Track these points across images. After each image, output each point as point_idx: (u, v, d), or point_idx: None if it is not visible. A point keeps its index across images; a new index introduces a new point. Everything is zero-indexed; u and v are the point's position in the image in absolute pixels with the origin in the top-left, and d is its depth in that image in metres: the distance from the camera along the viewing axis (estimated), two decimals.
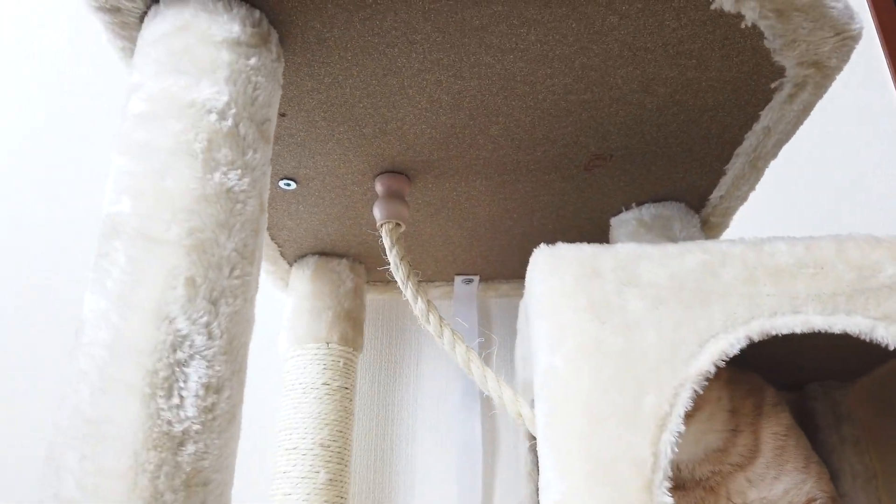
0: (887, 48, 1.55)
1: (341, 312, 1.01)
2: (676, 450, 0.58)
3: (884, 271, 0.62)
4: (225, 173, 0.58)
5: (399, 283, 0.77)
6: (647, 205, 0.90)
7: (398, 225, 0.82)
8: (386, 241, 0.80)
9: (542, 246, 0.67)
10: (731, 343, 0.61)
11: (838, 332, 0.60)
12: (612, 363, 0.61)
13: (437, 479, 1.07)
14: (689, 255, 0.64)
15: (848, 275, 0.62)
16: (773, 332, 0.61)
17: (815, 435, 0.98)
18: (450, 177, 0.85)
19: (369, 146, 0.79)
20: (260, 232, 0.60)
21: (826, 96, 0.73)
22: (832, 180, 1.39)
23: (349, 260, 1.06)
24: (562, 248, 0.66)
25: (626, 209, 0.91)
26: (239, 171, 0.59)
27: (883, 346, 0.60)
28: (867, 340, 0.60)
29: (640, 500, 0.55)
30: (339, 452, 0.93)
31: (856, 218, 1.31)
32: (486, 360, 0.98)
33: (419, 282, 0.78)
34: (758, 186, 0.85)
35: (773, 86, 0.71)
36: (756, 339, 0.61)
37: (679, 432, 0.58)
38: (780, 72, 0.69)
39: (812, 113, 0.74)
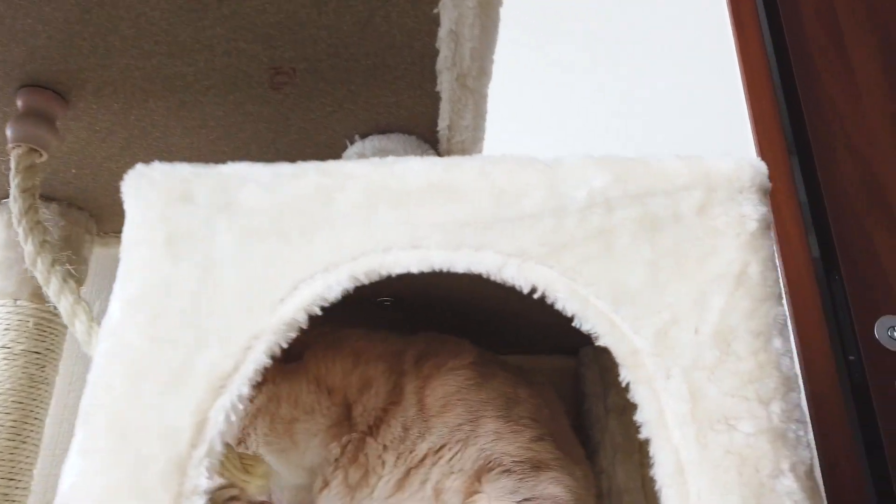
0: None
1: None
2: (236, 418, 0.45)
3: (529, 197, 0.50)
4: None
5: (14, 219, 0.63)
6: (371, 137, 0.77)
7: (34, 151, 0.67)
8: (12, 168, 0.65)
9: (138, 165, 0.53)
10: (329, 285, 0.48)
11: (462, 272, 0.49)
12: (177, 311, 0.48)
13: None
14: (304, 178, 0.52)
15: (485, 201, 0.50)
16: (385, 272, 0.49)
17: (581, 404, 0.88)
18: (114, 96, 0.70)
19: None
20: None
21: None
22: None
23: (61, 205, 0.90)
24: (156, 167, 0.53)
25: (351, 143, 0.78)
26: None
27: (514, 287, 0.49)
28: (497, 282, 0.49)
29: (162, 483, 0.43)
30: (15, 426, 0.79)
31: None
32: None
33: (38, 222, 0.64)
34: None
35: None
36: (364, 280, 0.49)
37: (244, 395, 0.46)
38: None
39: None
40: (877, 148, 1.42)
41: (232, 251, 0.50)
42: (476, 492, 0.59)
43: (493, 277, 0.49)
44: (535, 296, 0.48)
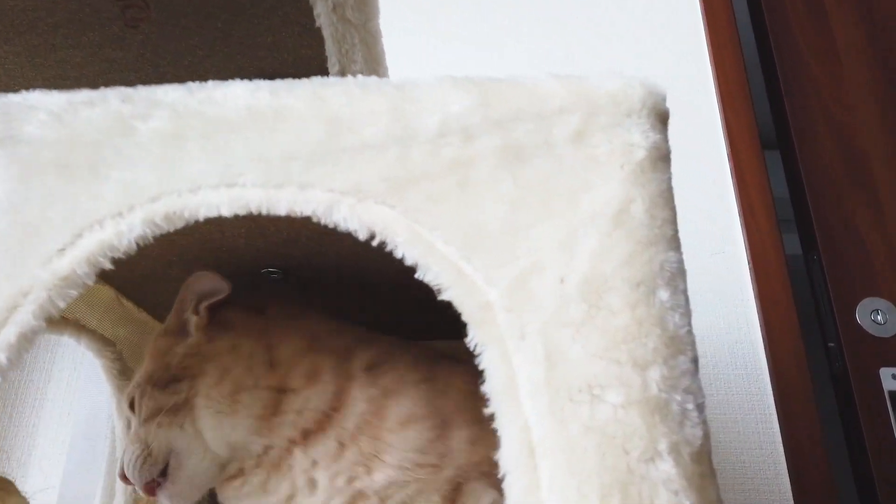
0: None
1: None
2: None
3: (371, 125, 0.41)
4: None
5: None
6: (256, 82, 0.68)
7: None
8: None
9: None
10: (120, 232, 0.40)
11: (284, 214, 0.40)
12: None
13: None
14: (103, 105, 0.43)
15: (316, 130, 0.41)
16: (189, 216, 0.40)
17: None
18: None
19: None
20: None
21: None
22: None
23: None
24: None
25: None
26: None
27: (345, 231, 0.40)
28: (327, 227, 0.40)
29: None
30: None
31: None
32: None
33: None
34: None
35: None
36: (165, 225, 0.40)
37: (3, 366, 0.37)
38: None
39: None
40: (858, 122, 1.32)
41: (6, 191, 0.41)
42: (455, 500, 0.51)
43: (321, 220, 0.40)
44: (374, 242, 0.40)
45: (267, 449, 0.53)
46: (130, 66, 0.67)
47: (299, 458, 0.53)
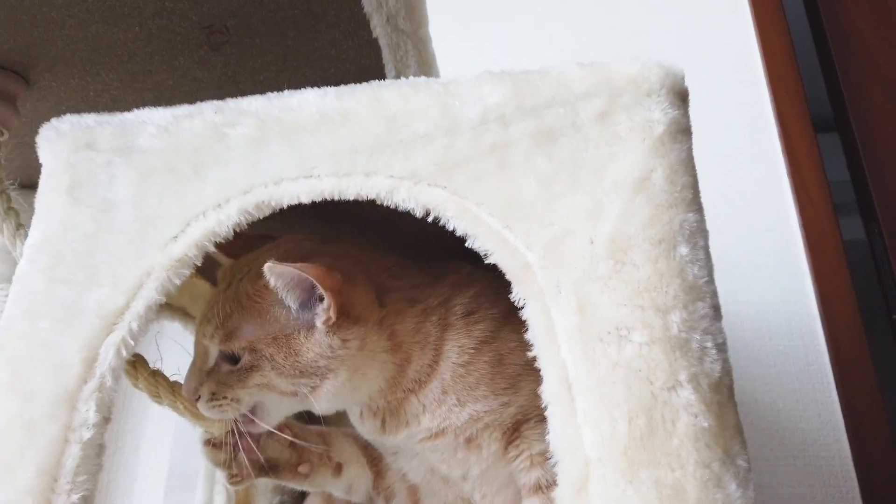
0: None
1: None
2: (126, 353, 0.45)
3: (421, 119, 0.48)
4: None
5: None
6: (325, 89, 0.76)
7: None
8: None
9: (52, 120, 0.54)
10: (220, 220, 0.48)
11: (353, 198, 0.47)
12: (74, 252, 0.49)
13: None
14: (199, 117, 0.51)
15: (376, 127, 0.48)
16: (275, 204, 0.48)
17: None
18: (68, 70, 0.73)
19: None
20: None
21: None
22: None
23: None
24: (66, 119, 0.54)
25: None
26: None
27: (405, 210, 0.47)
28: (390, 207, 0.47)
29: (52, 415, 0.44)
30: None
31: None
32: None
33: (10, 200, 0.67)
34: None
35: None
36: (255, 213, 0.48)
37: (135, 331, 0.46)
38: None
39: None
40: None
41: (128, 193, 0.50)
42: (514, 439, 0.58)
43: (384, 202, 0.47)
44: (430, 219, 0.46)
45: (389, 402, 0.60)
46: (215, 84, 0.76)
47: (413, 404, 0.58)
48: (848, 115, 1.28)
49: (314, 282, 0.50)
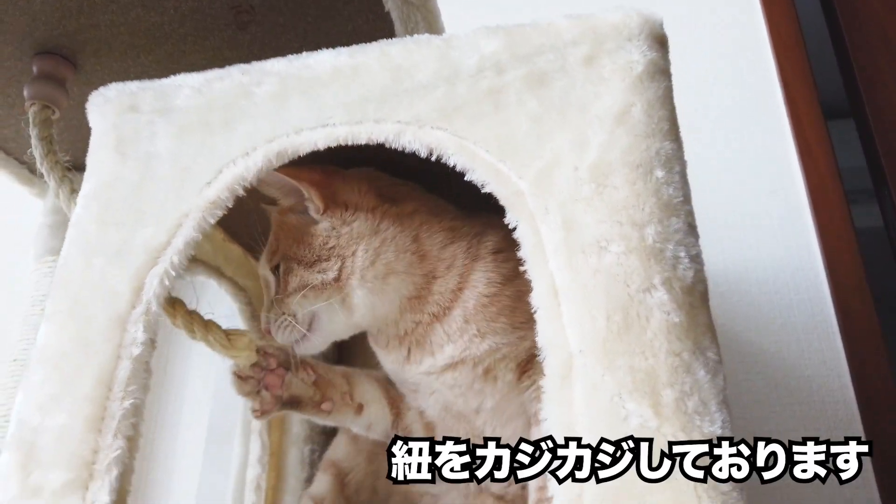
0: None
1: None
2: (169, 283, 0.52)
3: (423, 70, 0.54)
4: None
5: (37, 162, 0.74)
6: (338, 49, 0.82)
7: (47, 107, 0.77)
8: (30, 122, 0.76)
9: (100, 88, 0.61)
10: (248, 167, 0.54)
11: (364, 143, 0.53)
12: (122, 199, 0.55)
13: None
14: (228, 79, 0.58)
15: (384, 79, 0.54)
16: (295, 151, 0.54)
17: None
18: (111, 54, 0.80)
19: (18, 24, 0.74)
20: None
21: None
22: None
23: None
24: (112, 87, 0.60)
25: None
26: None
27: (409, 152, 0.52)
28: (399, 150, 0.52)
29: (106, 336, 0.50)
30: None
31: None
32: None
33: (57, 162, 0.75)
34: None
35: None
36: (275, 160, 0.54)
37: (176, 264, 0.52)
38: None
39: None
40: None
41: (168, 147, 0.56)
42: (528, 369, 0.62)
43: (392, 144, 0.53)
44: (433, 158, 0.52)
45: (416, 325, 0.64)
46: (243, 62, 0.83)
47: (438, 332, 0.63)
48: (862, 101, 1.29)
49: (290, 180, 0.60)
